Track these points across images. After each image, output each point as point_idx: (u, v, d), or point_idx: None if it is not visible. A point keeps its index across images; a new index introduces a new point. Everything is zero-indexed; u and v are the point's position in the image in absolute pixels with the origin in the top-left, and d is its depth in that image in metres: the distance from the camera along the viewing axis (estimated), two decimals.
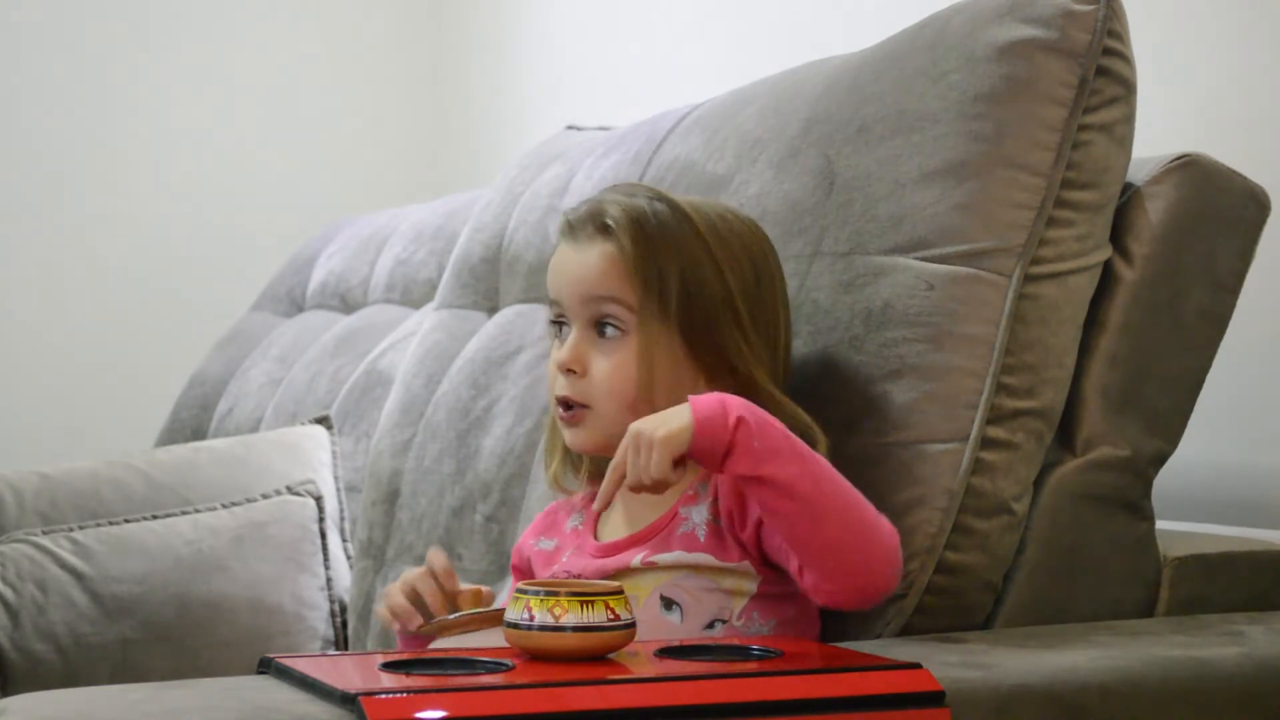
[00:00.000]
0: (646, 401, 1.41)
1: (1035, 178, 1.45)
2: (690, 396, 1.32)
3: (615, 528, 1.46)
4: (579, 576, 1.42)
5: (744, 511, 1.37)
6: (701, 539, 1.38)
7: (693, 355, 1.43)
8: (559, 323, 1.48)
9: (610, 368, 1.43)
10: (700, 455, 1.31)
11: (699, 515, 1.40)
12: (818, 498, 1.29)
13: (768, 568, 1.38)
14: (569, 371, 1.44)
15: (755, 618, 1.37)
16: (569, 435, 1.46)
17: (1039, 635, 1.40)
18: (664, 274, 1.42)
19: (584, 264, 1.45)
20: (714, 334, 1.42)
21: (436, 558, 1.43)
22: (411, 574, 1.44)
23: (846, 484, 1.32)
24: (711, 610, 1.38)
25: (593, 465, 1.51)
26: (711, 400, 1.31)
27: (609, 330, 1.44)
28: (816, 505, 1.29)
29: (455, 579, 1.43)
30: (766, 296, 1.46)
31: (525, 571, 1.52)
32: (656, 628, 1.37)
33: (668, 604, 1.38)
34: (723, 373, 1.43)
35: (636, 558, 1.40)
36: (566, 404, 1.45)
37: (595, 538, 1.47)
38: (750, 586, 1.38)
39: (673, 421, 1.30)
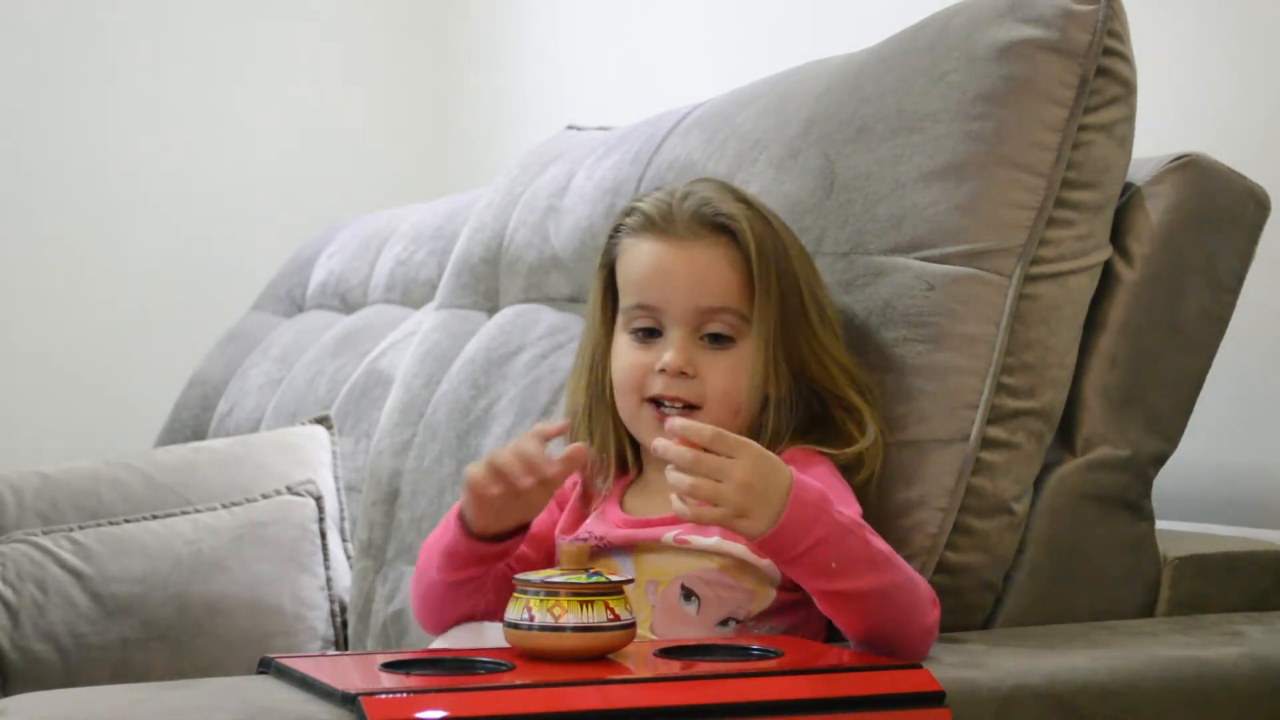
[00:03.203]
0: (750, 405, 1.39)
1: (1035, 178, 1.45)
2: (794, 482, 1.22)
3: (646, 505, 1.44)
4: (602, 540, 1.41)
5: None
6: None
7: (780, 355, 1.40)
8: (646, 328, 1.42)
9: (721, 374, 1.39)
10: (764, 551, 1.27)
11: None
12: (876, 607, 1.26)
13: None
14: (680, 374, 1.39)
15: (766, 618, 1.37)
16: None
17: (1039, 635, 1.40)
18: (770, 279, 1.38)
19: (696, 270, 1.40)
20: (800, 337, 1.40)
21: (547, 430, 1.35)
22: (521, 443, 1.34)
23: (903, 574, 1.27)
24: (728, 608, 1.37)
25: (633, 448, 1.47)
26: (808, 502, 1.23)
27: (717, 336, 1.40)
28: (873, 612, 1.26)
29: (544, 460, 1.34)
30: (822, 282, 1.44)
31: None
32: (673, 616, 1.37)
33: (687, 594, 1.38)
34: (804, 369, 1.40)
35: (669, 534, 1.39)
36: (673, 402, 1.40)
37: (621, 508, 1.44)
38: (770, 593, 1.37)
39: (761, 509, 1.22)
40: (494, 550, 1.38)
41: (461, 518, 1.39)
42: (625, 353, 1.43)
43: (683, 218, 1.41)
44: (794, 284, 1.40)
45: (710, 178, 1.46)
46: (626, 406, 1.43)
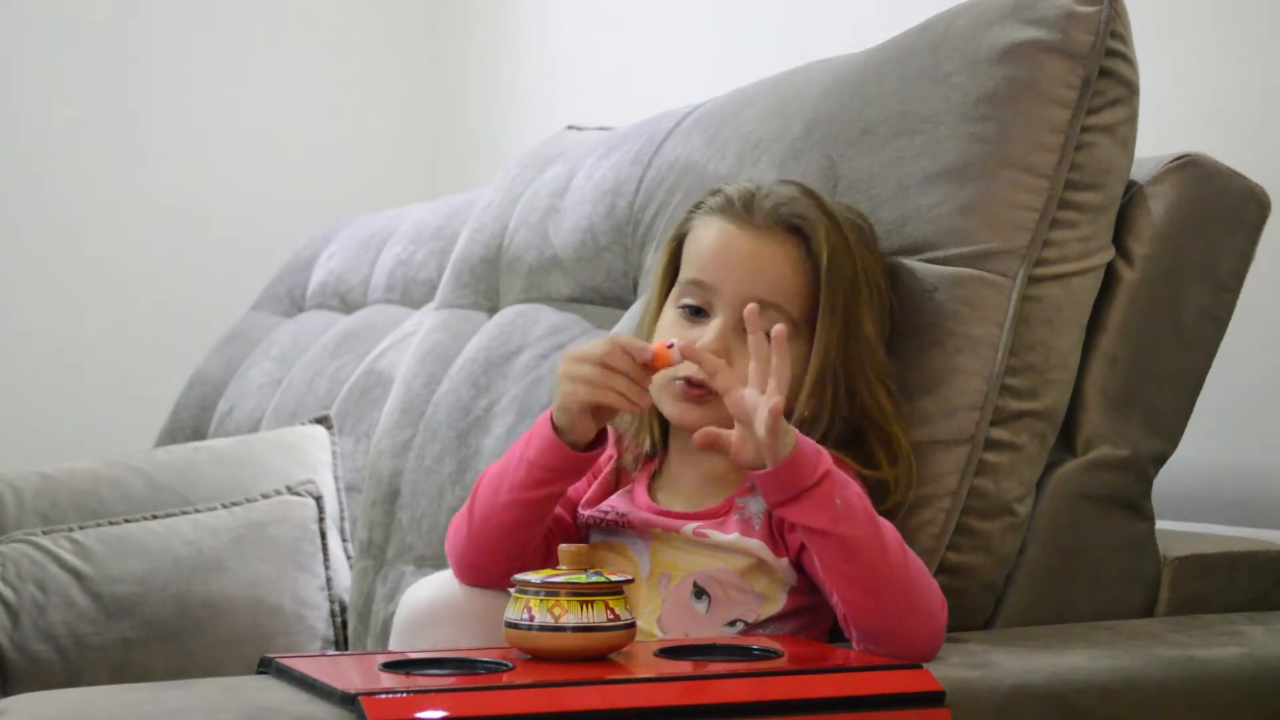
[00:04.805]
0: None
1: (1038, 179, 1.45)
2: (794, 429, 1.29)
3: (672, 498, 1.44)
4: (623, 517, 1.42)
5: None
6: (757, 527, 1.38)
7: (840, 374, 1.39)
8: (695, 306, 1.42)
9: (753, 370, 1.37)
10: (771, 485, 1.28)
11: (756, 506, 1.38)
12: (880, 569, 1.27)
13: (803, 574, 1.37)
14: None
15: (774, 622, 1.38)
16: (685, 410, 1.40)
17: (1039, 635, 1.40)
18: (837, 296, 1.38)
19: (759, 260, 1.40)
20: (854, 361, 1.39)
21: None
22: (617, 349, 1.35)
23: (910, 556, 1.30)
24: (738, 610, 1.38)
25: (661, 431, 1.46)
26: (808, 440, 1.28)
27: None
28: (877, 575, 1.27)
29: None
30: (889, 306, 1.44)
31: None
32: (682, 612, 1.38)
33: (699, 592, 1.38)
34: (853, 392, 1.40)
35: (689, 526, 1.39)
36: (698, 384, 1.39)
37: (648, 494, 1.44)
38: (781, 597, 1.38)
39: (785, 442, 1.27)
40: (579, 461, 1.38)
41: (553, 427, 1.37)
42: (668, 326, 1.44)
43: (762, 209, 1.41)
44: (859, 307, 1.40)
45: (801, 183, 1.46)
46: (656, 375, 1.41)
